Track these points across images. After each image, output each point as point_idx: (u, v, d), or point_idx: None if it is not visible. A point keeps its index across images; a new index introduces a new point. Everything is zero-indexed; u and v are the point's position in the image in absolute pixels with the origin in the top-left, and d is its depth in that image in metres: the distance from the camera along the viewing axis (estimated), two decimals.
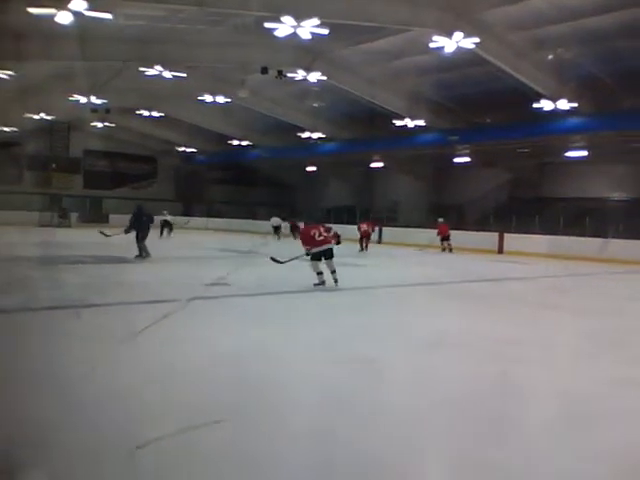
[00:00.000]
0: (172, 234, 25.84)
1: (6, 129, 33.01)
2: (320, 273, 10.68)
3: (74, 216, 35.16)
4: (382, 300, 9.96)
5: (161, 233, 25.10)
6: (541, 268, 17.34)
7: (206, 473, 3.13)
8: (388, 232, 28.30)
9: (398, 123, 26.19)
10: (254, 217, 36.67)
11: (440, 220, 23.76)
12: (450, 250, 22.99)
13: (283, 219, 29.59)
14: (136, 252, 14.89)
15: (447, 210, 28.73)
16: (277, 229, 29.25)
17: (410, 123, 25.96)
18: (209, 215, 39.98)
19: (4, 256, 14.57)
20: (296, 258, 11.53)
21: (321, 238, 10.82)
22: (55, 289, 9.48)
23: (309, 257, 10.86)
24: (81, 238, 22.02)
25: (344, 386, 4.70)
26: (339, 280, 10.66)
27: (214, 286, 10.22)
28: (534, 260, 19.72)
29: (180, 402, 4.17)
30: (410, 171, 33.39)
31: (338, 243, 11.38)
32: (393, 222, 30.80)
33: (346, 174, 38.26)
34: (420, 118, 25.99)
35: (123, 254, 15.22)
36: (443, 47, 16.93)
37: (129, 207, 34.80)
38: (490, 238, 23.88)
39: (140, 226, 15.00)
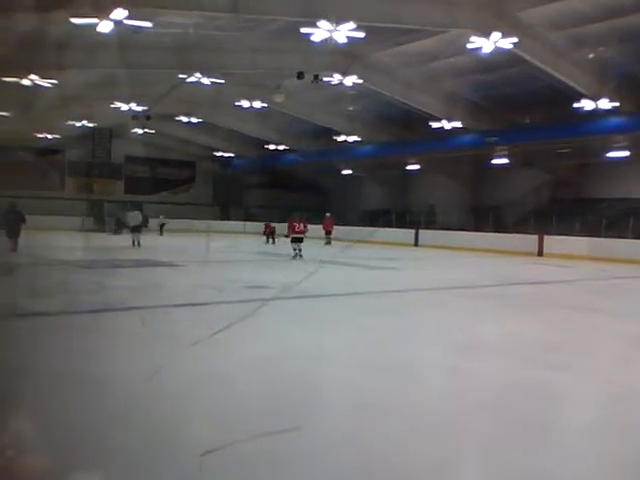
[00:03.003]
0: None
1: (49, 136, 33.92)
2: (295, 250, 17.32)
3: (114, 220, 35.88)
4: (417, 304, 9.90)
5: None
6: (582, 270, 16.98)
7: None
8: (425, 235, 28.09)
9: (435, 125, 26.00)
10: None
11: (327, 215, 27.89)
12: (328, 243, 26.43)
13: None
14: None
15: (487, 212, 28.42)
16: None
17: (447, 125, 25.76)
18: (246, 219, 40.33)
19: (47, 260, 14.98)
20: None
21: (299, 229, 17.67)
22: (97, 292, 9.70)
23: (289, 240, 17.77)
24: (121, 242, 22.46)
25: (377, 390, 4.70)
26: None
27: (254, 289, 10.31)
28: (575, 262, 19.33)
29: (246, 406, 4.16)
30: (447, 173, 33.11)
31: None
32: (431, 225, 30.56)
33: (382, 177, 38.15)
34: (457, 120, 25.76)
35: (160, 258, 15.47)
36: (480, 48, 16.77)
37: (168, 211, 35.62)
38: (529, 240, 23.49)
39: (7, 223, 16.31)
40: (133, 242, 21.37)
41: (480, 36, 16.29)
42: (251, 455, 3.31)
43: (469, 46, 16.80)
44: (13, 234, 16.36)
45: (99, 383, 4.51)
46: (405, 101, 25.66)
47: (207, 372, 4.97)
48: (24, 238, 16.66)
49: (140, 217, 22.18)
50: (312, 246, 23.42)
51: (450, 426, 3.94)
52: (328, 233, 27.34)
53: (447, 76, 23.56)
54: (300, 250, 17.42)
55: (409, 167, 33.07)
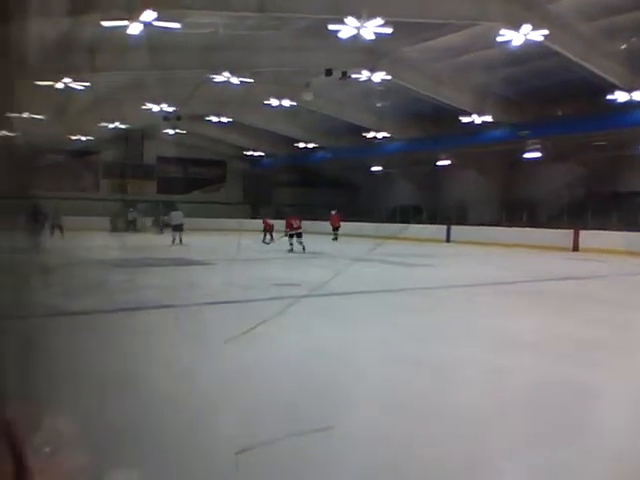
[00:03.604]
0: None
1: (83, 138, 34.53)
2: (291, 244, 19.43)
3: (149, 220, 36.41)
4: (450, 300, 9.83)
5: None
6: (618, 266, 16.64)
7: None
8: (457, 231, 27.83)
9: (465, 120, 25.73)
10: (318, 219, 36.84)
11: (333, 212, 28.92)
12: (335, 238, 27.46)
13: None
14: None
15: (520, 207, 28.04)
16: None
17: (477, 119, 25.47)
18: (276, 217, 40.46)
19: (82, 260, 15.26)
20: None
21: (297, 225, 19.70)
22: (130, 291, 9.86)
23: (286, 236, 19.80)
24: (155, 242, 22.79)
25: (411, 389, 4.68)
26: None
27: (285, 286, 10.36)
28: (611, 257, 18.95)
29: (279, 404, 4.18)
30: (478, 168, 32.74)
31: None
32: (462, 221, 30.26)
33: (412, 173, 37.92)
34: (488, 114, 25.44)
35: (192, 257, 15.64)
36: (510, 41, 16.53)
37: (200, 211, 35.98)
38: (564, 235, 23.09)
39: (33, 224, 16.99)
40: (173, 240, 22.40)
41: (510, 29, 16.06)
42: (285, 454, 3.31)
43: (499, 39, 16.58)
44: (39, 234, 16.86)
45: (133, 382, 4.58)
46: (434, 96, 25.44)
47: (239, 370, 5.01)
48: (60, 239, 17.01)
49: (182, 217, 23.60)
50: (323, 241, 23.75)
51: (485, 425, 3.91)
52: (335, 229, 28.48)
53: (477, 70, 23.28)
54: (302, 243, 19.33)
55: (439, 163, 32.80)
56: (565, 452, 3.41)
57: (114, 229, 29.74)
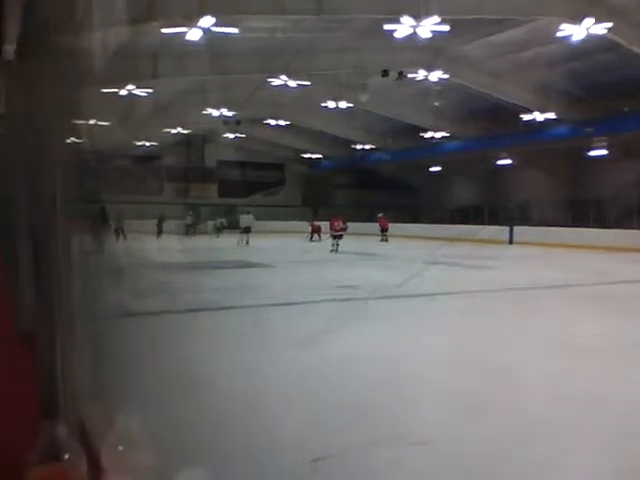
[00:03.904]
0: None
1: (147, 144, 35.59)
2: (333, 245, 20.51)
3: (210, 224, 37.19)
4: (515, 303, 9.60)
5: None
6: None
7: None
8: (520, 232, 27.14)
9: (526, 117, 25.12)
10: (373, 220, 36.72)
11: (380, 215, 29.82)
12: (385, 240, 28.18)
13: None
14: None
15: (586, 206, 27.13)
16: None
17: (539, 116, 24.82)
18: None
19: (149, 262, 15.70)
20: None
21: (339, 227, 20.93)
22: (196, 292, 10.07)
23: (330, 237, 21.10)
24: (218, 244, 23.25)
25: (477, 392, 4.60)
26: None
27: (347, 288, 10.36)
28: None
29: (346, 409, 4.16)
30: (541, 167, 31.84)
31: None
32: (525, 221, 29.49)
33: (471, 173, 37.24)
34: (550, 111, 24.73)
35: (254, 259, 15.84)
36: (571, 35, 16.04)
37: (260, 213, 36.50)
38: (634, 236, 22.15)
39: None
40: (240, 241, 23.83)
41: (571, 23, 15.57)
42: (359, 463, 3.26)
43: (559, 34, 16.10)
44: (104, 237, 17.49)
45: (200, 383, 4.66)
46: (494, 94, 24.92)
47: (305, 372, 5.03)
48: (122, 241, 17.54)
49: (252, 220, 25.75)
50: (372, 243, 23.62)
51: (552, 428, 3.80)
52: (384, 230, 29.33)
53: (538, 66, 22.63)
54: (338, 245, 20.59)
55: (500, 162, 32.09)
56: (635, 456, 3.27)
57: (159, 232, 30.27)
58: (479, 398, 4.43)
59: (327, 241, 22.15)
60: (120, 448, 0.69)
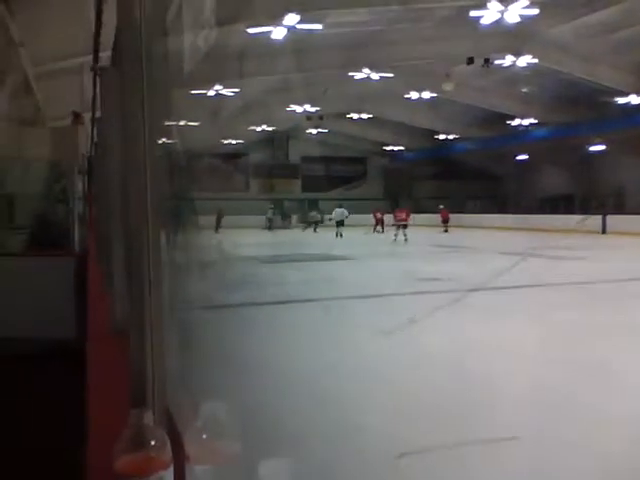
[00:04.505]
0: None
1: (233, 142, 36.53)
2: (395, 235, 21.67)
3: (294, 218, 37.71)
4: (607, 297, 9.16)
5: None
6: None
7: None
8: (614, 221, 25.80)
9: (621, 101, 23.82)
10: (462, 211, 35.95)
11: (441, 207, 30.88)
12: (446, 231, 28.89)
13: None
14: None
15: None
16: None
17: (635, 99, 23.45)
18: (415, 211, 40.08)
19: (236, 256, 16.13)
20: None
21: (402, 218, 21.90)
22: (280, 285, 10.27)
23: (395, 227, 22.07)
24: (301, 238, 23.57)
25: (564, 389, 4.44)
26: None
27: (430, 281, 10.25)
28: None
29: (433, 404, 4.12)
30: (637, 152, 30.07)
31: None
32: (620, 210, 27.99)
33: (561, 160, 35.70)
34: None
35: (335, 252, 15.95)
36: None
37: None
38: None
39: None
40: (336, 234, 25.09)
41: None
42: (444, 462, 3.24)
43: None
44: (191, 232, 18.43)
45: (285, 372, 4.76)
46: (587, 77, 23.74)
47: (391, 366, 5.03)
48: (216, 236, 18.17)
49: (346, 213, 27.27)
50: (465, 235, 23.28)
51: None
52: (445, 221, 30.52)
53: (634, 46, 21.38)
54: (405, 235, 21.41)
55: (592, 148, 30.58)
56: None
57: (218, 227, 30.32)
58: (564, 395, 4.27)
59: (390, 232, 22.90)
60: (204, 436, 0.73)
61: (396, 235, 21.80)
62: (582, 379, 4.70)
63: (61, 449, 1.62)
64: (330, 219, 28.62)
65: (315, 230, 32.02)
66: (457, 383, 4.61)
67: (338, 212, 27.33)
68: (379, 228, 28.61)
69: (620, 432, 3.59)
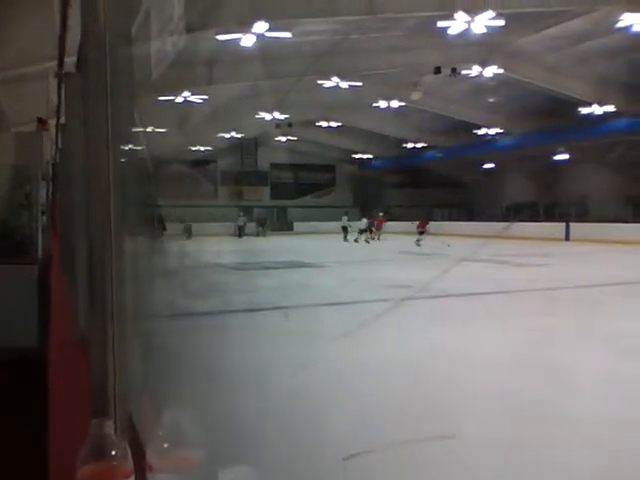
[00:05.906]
0: None
1: (202, 148, 36.31)
2: (418, 240, 23.58)
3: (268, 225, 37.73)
4: (570, 302, 9.35)
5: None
6: None
7: None
8: (577, 228, 26.37)
9: (584, 111, 24.39)
10: (430, 219, 36.25)
11: (380, 214, 31.14)
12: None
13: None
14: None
15: None
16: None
17: (598, 109, 24.05)
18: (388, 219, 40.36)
19: (203, 263, 16.00)
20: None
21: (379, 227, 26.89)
22: (248, 292, 10.22)
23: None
24: (268, 245, 23.48)
25: (530, 394, 4.51)
26: None
27: (395, 288, 10.32)
28: None
29: (389, 406, 4.21)
30: (599, 161, 30.81)
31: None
32: (583, 217, 28.62)
33: (526, 169, 36.38)
34: (610, 103, 23.96)
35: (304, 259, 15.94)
36: (632, 25, 15.49)
37: (311, 214, 36.70)
38: None
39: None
40: (366, 240, 26.95)
41: (633, 12, 15.03)
42: (396, 462, 3.28)
43: (619, 25, 15.57)
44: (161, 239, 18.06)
45: (249, 380, 4.74)
46: (551, 87, 24.28)
47: (351, 371, 5.05)
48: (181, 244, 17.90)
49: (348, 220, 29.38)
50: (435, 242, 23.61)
51: (613, 431, 3.69)
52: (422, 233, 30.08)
53: (597, 58, 21.94)
54: (419, 240, 23.58)
55: (556, 157, 31.24)
56: None
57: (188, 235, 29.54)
58: (528, 399, 4.34)
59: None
60: (166, 445, 0.73)
61: (419, 240, 23.97)
62: (534, 380, 4.77)
63: (23, 460, 1.59)
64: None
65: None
66: (411, 385, 4.64)
67: (344, 220, 30.01)
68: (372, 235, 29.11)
69: (565, 432, 3.66)
